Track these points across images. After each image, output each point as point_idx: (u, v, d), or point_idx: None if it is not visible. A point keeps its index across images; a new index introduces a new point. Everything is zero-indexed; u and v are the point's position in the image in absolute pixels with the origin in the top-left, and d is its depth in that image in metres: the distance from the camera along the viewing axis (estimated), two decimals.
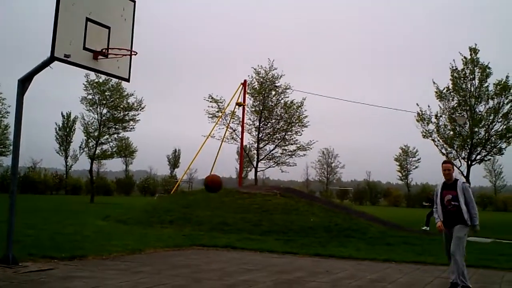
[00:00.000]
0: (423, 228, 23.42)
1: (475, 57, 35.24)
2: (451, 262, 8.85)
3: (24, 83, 9.91)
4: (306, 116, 42.84)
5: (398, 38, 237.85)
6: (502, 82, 34.46)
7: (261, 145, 43.11)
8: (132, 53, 11.01)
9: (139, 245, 13.47)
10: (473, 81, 35.18)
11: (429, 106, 36.11)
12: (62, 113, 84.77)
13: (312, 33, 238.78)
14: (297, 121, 42.57)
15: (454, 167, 9.13)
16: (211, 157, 33.10)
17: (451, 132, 35.64)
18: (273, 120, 42.66)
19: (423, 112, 36.03)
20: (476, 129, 34.72)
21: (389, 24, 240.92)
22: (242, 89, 31.15)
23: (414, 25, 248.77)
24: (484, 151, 35.61)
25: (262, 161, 44.06)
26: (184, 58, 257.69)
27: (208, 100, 41.73)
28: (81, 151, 59.05)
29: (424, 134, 36.15)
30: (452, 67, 35.55)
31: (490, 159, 45.04)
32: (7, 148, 53.51)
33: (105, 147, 50.82)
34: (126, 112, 49.14)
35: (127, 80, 11.30)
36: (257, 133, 42.60)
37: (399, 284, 9.46)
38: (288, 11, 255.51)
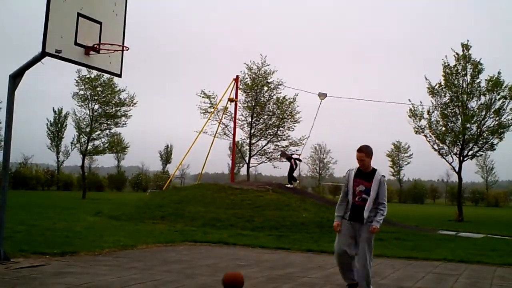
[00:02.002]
0: (288, 186, 24.71)
1: (467, 53, 35.34)
2: (342, 262, 7.77)
3: (15, 78, 9.85)
4: (298, 112, 42.93)
5: (390, 32, 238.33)
6: (494, 78, 34.57)
7: (253, 141, 43.14)
8: (124, 48, 10.97)
9: (131, 241, 13.44)
10: (465, 77, 35.30)
11: (421, 102, 36.25)
12: (53, 109, 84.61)
13: (305, 26, 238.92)
14: (289, 116, 42.61)
15: (371, 156, 7.55)
16: (203, 153, 33.17)
17: (443, 128, 35.76)
18: (265, 116, 42.70)
19: (415, 108, 36.17)
20: (468, 125, 34.83)
21: (382, 18, 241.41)
22: (234, 84, 31.08)
23: (407, 19, 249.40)
24: (476, 146, 35.77)
25: (254, 157, 44.12)
26: (177, 53, 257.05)
27: (200, 96, 41.78)
28: (73, 147, 58.49)
29: (416, 130, 36.26)
30: (445, 63, 35.67)
31: (482, 154, 45.23)
32: None
33: (97, 143, 50.60)
34: (118, 108, 48.94)
35: (119, 75, 11.27)
36: (249, 128, 42.67)
37: (391, 280, 9.47)
38: (281, 7, 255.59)
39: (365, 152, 7.49)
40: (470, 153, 36.00)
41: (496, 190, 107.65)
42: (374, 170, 7.57)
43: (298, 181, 26.93)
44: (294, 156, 26.21)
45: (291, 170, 25.36)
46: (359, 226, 7.52)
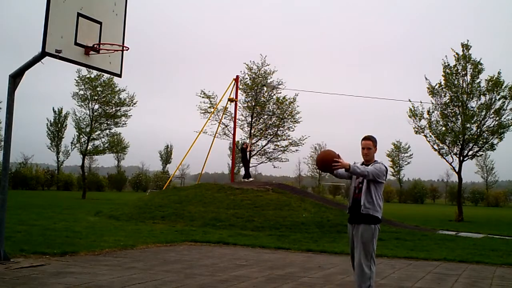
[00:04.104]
0: (243, 180, 25.47)
1: (467, 53, 35.31)
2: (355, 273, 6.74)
3: (15, 78, 9.86)
4: (298, 112, 42.91)
5: (391, 32, 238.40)
6: (494, 78, 34.55)
7: (253, 141, 43.10)
8: (124, 48, 10.97)
9: (131, 241, 13.45)
10: (465, 77, 35.26)
11: (421, 102, 36.25)
12: (53, 109, 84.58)
13: (305, 26, 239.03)
14: (289, 116, 42.60)
15: (376, 147, 6.81)
16: (203, 153, 33.13)
17: (443, 128, 35.73)
18: (265, 116, 42.65)
19: (415, 108, 36.17)
20: (468, 125, 34.81)
21: (382, 18, 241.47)
22: (234, 84, 31.06)
23: (407, 19, 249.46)
24: (476, 146, 35.71)
25: (254, 157, 44.05)
26: (177, 53, 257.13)
27: (200, 96, 41.72)
28: (73, 146, 58.29)
29: (416, 130, 36.22)
30: (445, 63, 35.64)
31: (482, 154, 45.17)
32: None
33: (97, 142, 50.57)
34: (118, 108, 48.91)
35: (119, 75, 11.27)
36: (249, 128, 42.61)
37: (391, 280, 9.48)
38: (279, 5, 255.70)
39: (372, 140, 6.79)
40: (470, 153, 35.95)
41: (496, 190, 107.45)
42: (375, 162, 6.76)
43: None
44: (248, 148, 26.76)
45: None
46: (356, 227, 6.74)
